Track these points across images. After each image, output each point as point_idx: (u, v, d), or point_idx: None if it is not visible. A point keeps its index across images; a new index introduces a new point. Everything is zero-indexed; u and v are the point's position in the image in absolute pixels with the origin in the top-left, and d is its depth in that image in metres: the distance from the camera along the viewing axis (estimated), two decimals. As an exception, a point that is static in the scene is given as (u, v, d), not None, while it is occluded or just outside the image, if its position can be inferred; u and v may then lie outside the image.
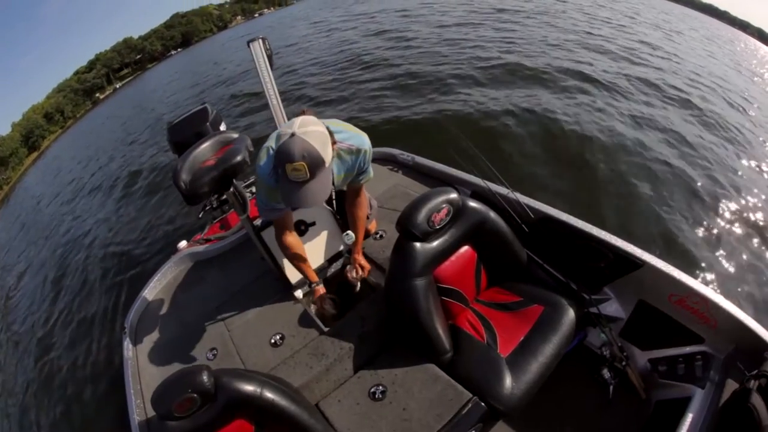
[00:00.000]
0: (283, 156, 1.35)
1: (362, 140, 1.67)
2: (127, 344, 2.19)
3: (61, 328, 4.85)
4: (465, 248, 1.80)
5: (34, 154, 58.64)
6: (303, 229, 2.06)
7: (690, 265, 3.23)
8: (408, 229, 1.62)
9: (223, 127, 3.20)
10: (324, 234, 2.19)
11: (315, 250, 2.16)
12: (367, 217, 2.12)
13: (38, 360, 4.48)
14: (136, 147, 11.60)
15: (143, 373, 2.01)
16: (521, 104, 5.84)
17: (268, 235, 1.99)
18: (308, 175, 1.34)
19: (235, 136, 2.08)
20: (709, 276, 3.19)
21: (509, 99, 6.09)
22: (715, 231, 3.69)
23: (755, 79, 10.90)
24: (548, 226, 1.89)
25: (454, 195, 1.68)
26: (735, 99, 7.67)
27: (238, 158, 1.84)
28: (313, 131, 1.37)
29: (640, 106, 6.15)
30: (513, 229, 1.85)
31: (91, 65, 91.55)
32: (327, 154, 1.39)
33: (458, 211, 1.70)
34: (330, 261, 2.24)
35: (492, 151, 4.44)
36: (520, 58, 8.11)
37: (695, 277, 3.06)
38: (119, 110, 24.65)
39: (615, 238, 1.72)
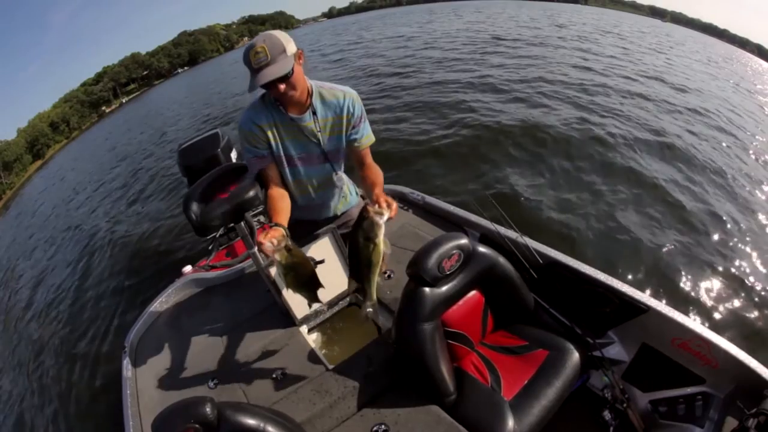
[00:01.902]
0: (247, 48, 1.50)
1: (346, 88, 1.77)
2: (127, 364, 2.19)
3: (56, 339, 4.83)
4: (473, 293, 1.82)
5: (38, 162, 58.76)
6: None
7: (690, 302, 3.28)
8: (418, 274, 1.63)
9: (233, 154, 3.24)
10: (330, 276, 2.12)
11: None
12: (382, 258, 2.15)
13: (33, 370, 4.46)
14: (144, 163, 11.69)
15: (142, 395, 2.00)
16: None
17: (276, 270, 2.00)
18: (268, 57, 1.46)
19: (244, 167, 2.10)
20: (709, 312, 3.23)
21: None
22: (717, 267, 3.72)
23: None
24: (556, 271, 1.92)
25: (464, 241, 1.70)
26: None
27: (251, 194, 1.87)
28: (278, 32, 1.54)
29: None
30: (521, 274, 1.87)
31: (98, 78, 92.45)
32: (289, 45, 1.51)
33: (468, 257, 1.72)
34: (330, 305, 2.21)
35: (500, 193, 4.52)
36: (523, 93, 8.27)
37: (697, 315, 3.16)
38: (125, 125, 24.91)
39: (621, 283, 1.75)
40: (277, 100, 1.68)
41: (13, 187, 47.45)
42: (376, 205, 1.42)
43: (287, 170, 1.80)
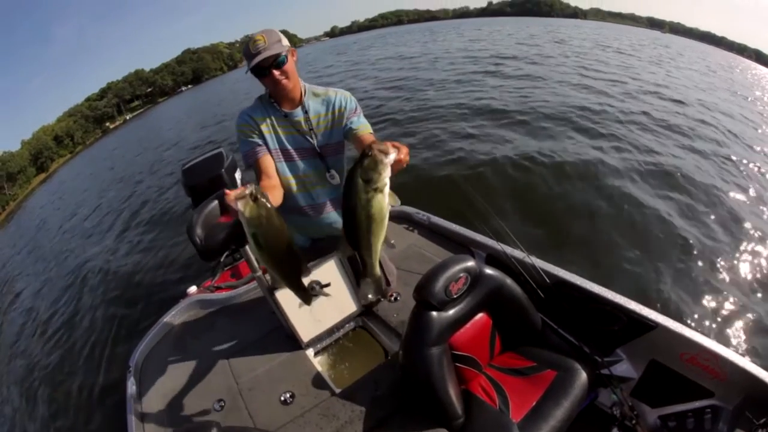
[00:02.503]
0: (247, 40, 1.65)
1: (339, 89, 1.88)
2: (131, 383, 2.18)
3: (58, 354, 4.82)
4: (480, 315, 1.81)
5: (42, 175, 59.28)
6: (317, 289, 2.04)
7: (696, 315, 3.28)
8: (425, 299, 1.63)
9: (238, 174, 3.24)
10: (336, 300, 2.15)
11: (321, 313, 2.14)
12: (388, 284, 2.16)
13: (33, 386, 4.44)
14: (146, 181, 11.72)
15: (147, 416, 1.99)
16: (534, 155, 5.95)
17: (282, 294, 2.00)
18: (266, 44, 1.60)
19: None
20: (716, 324, 3.23)
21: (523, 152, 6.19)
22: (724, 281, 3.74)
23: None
24: (563, 291, 1.92)
25: (471, 263, 1.70)
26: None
27: None
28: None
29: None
30: (528, 294, 1.87)
31: (102, 93, 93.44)
32: (284, 39, 1.66)
33: (475, 279, 1.72)
34: (334, 329, 2.21)
35: (507, 212, 4.53)
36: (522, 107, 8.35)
37: (705, 328, 3.15)
38: (128, 142, 25.10)
39: (629, 301, 1.76)
40: (272, 96, 1.80)
41: (17, 199, 47.89)
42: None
43: (284, 165, 1.85)
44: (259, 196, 1.14)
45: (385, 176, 1.12)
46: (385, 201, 1.14)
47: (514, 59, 16.34)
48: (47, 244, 10.77)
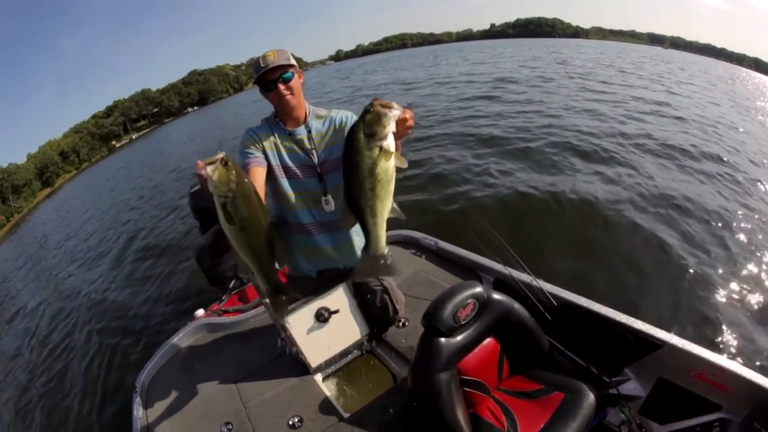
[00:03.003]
0: (258, 57, 1.74)
1: (339, 109, 1.97)
2: (137, 403, 2.19)
3: (59, 372, 4.82)
4: (488, 340, 1.83)
5: (47, 190, 59.93)
6: (326, 315, 2.08)
7: (703, 331, 3.31)
8: (434, 325, 1.65)
9: None
10: (344, 324, 2.17)
11: (329, 339, 2.15)
12: (396, 312, 2.18)
13: (37, 400, 4.44)
14: (148, 203, 11.80)
15: None
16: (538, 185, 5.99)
17: (291, 319, 2.02)
18: (275, 59, 1.70)
19: None
20: (722, 339, 3.25)
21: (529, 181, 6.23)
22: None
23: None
24: (570, 313, 1.94)
25: (479, 289, 1.72)
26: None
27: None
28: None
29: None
30: (536, 317, 1.89)
31: (109, 111, 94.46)
32: (293, 60, 1.77)
33: (483, 305, 1.74)
34: (342, 354, 2.22)
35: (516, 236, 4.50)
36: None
37: (711, 344, 3.16)
38: (133, 163, 25.37)
39: (635, 320, 1.78)
40: (277, 116, 1.89)
41: (22, 211, 48.57)
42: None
43: (286, 181, 1.90)
44: (230, 162, 1.09)
45: (389, 130, 1.06)
46: (391, 161, 1.07)
47: (515, 83, 16.56)
48: (49, 262, 10.83)
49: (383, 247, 1.18)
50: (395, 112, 1.07)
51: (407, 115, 1.16)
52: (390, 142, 1.07)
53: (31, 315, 7.38)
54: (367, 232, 1.16)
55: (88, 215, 14.87)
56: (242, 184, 1.11)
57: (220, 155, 1.09)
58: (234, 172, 1.09)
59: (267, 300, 2.01)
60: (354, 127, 1.08)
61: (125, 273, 7.15)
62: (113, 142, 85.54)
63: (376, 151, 1.04)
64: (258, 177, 1.76)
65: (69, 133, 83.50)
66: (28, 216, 37.17)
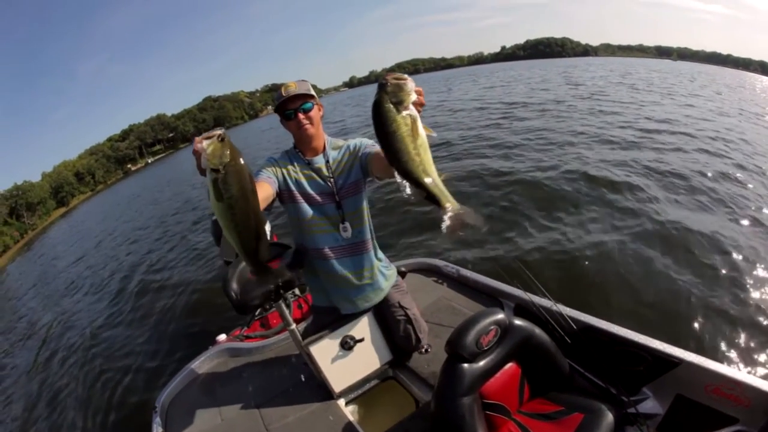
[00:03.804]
0: (280, 86, 1.83)
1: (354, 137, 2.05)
2: (157, 423, 2.22)
3: (81, 388, 4.87)
4: (510, 364, 1.86)
5: (62, 209, 61.14)
6: (351, 344, 2.11)
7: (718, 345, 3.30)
8: (457, 352, 1.70)
9: (268, 227, 3.36)
10: (368, 351, 2.20)
11: (353, 365, 2.17)
12: (419, 341, 2.21)
13: (56, 416, 4.50)
14: (173, 227, 11.86)
15: None
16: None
17: (316, 348, 2.06)
18: (297, 89, 1.79)
19: (289, 247, 2.13)
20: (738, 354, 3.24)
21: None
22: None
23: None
24: (589, 335, 1.98)
25: (501, 316, 1.77)
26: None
27: (290, 275, 1.95)
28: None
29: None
30: (556, 341, 1.92)
31: (124, 135, 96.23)
32: (313, 91, 1.85)
33: (505, 331, 1.78)
34: (366, 380, 2.25)
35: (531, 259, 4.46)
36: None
37: (726, 358, 3.17)
38: (148, 188, 25.84)
39: (653, 340, 1.81)
40: (296, 146, 1.97)
41: (36, 229, 49.66)
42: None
43: (306, 206, 1.95)
44: (227, 139, 1.09)
45: (412, 98, 1.09)
46: (420, 125, 1.08)
47: (524, 107, 16.61)
48: (63, 282, 11.02)
49: (453, 201, 1.13)
50: (411, 84, 1.11)
51: (420, 94, 1.17)
52: (415, 110, 1.09)
53: (46, 331, 7.52)
54: (434, 196, 1.12)
55: (107, 234, 15.14)
56: (236, 161, 1.10)
57: (219, 131, 1.10)
58: (229, 148, 1.09)
59: (292, 327, 2.09)
60: (378, 101, 1.08)
61: (144, 300, 7.15)
62: (129, 166, 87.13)
63: (408, 118, 1.06)
64: (263, 189, 1.74)
65: (84, 154, 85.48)
66: (42, 234, 37.72)
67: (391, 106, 1.06)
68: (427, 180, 1.09)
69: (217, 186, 1.08)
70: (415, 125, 1.06)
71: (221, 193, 1.08)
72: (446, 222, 1.12)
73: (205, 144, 1.08)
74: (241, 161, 1.11)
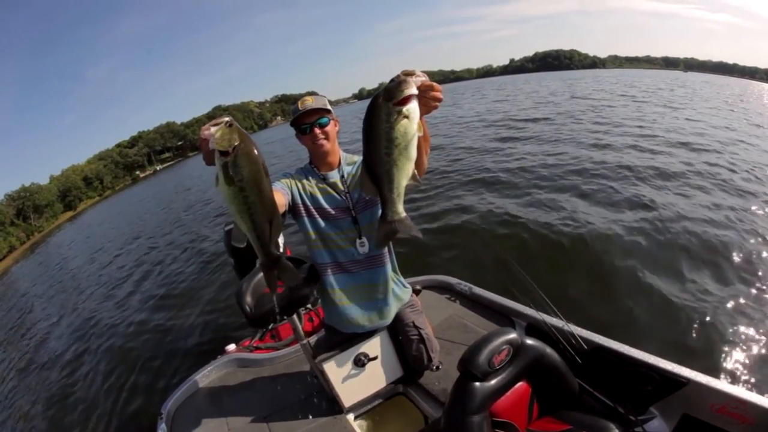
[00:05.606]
0: (297, 100, 1.86)
1: None
2: (162, 430, 2.23)
3: (86, 391, 4.91)
4: (521, 383, 1.87)
5: (70, 213, 61.43)
6: (364, 361, 2.11)
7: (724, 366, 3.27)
8: (469, 370, 1.70)
9: (281, 240, 3.38)
10: (380, 369, 2.21)
11: (364, 381, 2.18)
12: (430, 360, 2.19)
13: (61, 421, 4.50)
14: (182, 237, 11.77)
15: None
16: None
17: (328, 365, 2.06)
18: (313, 103, 1.80)
19: (304, 262, 2.12)
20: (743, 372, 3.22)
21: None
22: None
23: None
24: (600, 356, 2.00)
25: (513, 335, 1.78)
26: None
27: (305, 290, 1.97)
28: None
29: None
30: (566, 360, 1.93)
31: (133, 141, 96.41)
32: (329, 107, 1.86)
33: (517, 351, 1.79)
34: (376, 395, 2.25)
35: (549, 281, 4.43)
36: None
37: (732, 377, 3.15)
38: (156, 195, 25.96)
39: (661, 360, 1.84)
40: (312, 162, 1.99)
41: (42, 231, 50.13)
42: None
43: (322, 221, 1.94)
44: (235, 124, 1.06)
45: (408, 93, 1.04)
46: (412, 126, 1.03)
47: (533, 121, 16.54)
48: (67, 285, 11.07)
49: (400, 212, 1.15)
50: (417, 79, 1.08)
51: (435, 84, 1.15)
52: (412, 108, 1.05)
53: (53, 332, 7.59)
54: (383, 199, 1.13)
55: (113, 239, 15.17)
56: (246, 143, 1.06)
57: (227, 118, 1.07)
58: (237, 132, 1.06)
59: (305, 341, 2.10)
60: (375, 99, 1.08)
61: (151, 305, 7.18)
62: (137, 172, 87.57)
63: (396, 116, 1.02)
64: (276, 196, 1.79)
65: (93, 159, 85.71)
66: (49, 237, 37.97)
67: (381, 101, 1.04)
68: (386, 185, 1.08)
69: (227, 170, 1.05)
70: (400, 123, 1.03)
71: (231, 177, 1.05)
72: (382, 229, 1.16)
73: (213, 129, 1.06)
74: (251, 142, 1.08)
